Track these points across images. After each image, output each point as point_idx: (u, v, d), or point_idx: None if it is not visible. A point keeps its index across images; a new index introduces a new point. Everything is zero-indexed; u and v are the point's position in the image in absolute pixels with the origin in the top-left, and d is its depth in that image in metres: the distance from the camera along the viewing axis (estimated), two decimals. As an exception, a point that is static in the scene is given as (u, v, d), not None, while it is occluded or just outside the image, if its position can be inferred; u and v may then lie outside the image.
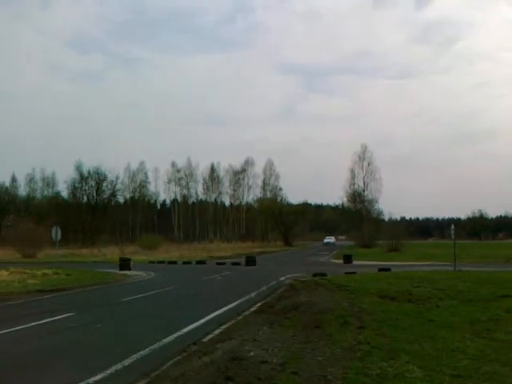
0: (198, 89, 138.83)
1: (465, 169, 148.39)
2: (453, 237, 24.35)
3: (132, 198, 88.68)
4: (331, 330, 8.25)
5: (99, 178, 78.42)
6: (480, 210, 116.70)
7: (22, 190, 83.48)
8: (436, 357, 6.44)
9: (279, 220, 79.98)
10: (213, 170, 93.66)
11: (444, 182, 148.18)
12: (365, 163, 73.11)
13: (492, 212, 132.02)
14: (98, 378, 5.99)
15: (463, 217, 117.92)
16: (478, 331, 8.32)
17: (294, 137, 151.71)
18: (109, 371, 6.28)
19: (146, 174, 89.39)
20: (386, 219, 73.00)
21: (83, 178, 78.07)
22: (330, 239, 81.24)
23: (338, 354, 6.63)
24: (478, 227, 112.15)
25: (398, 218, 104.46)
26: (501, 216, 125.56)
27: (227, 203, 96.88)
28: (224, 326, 9.28)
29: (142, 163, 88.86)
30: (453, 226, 25.41)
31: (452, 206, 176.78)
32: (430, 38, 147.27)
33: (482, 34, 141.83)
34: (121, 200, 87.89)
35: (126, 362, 6.76)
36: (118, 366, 6.53)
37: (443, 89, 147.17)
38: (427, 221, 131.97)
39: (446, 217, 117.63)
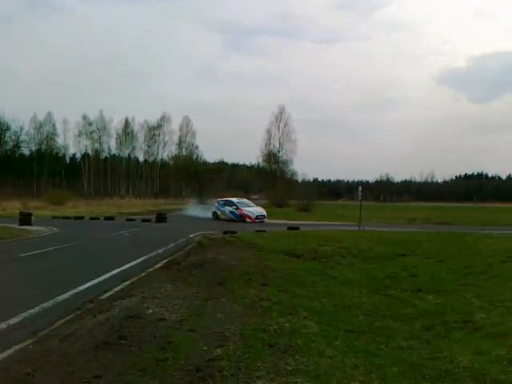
0: (113, 40, 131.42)
1: (376, 134, 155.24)
2: (360, 198, 25.32)
3: (38, 150, 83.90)
4: (234, 287, 8.19)
5: (1, 127, 73.44)
6: (387, 174, 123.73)
7: None
8: (333, 312, 6.58)
9: (194, 178, 79.33)
10: (127, 124, 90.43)
11: (356, 146, 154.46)
12: (281, 124, 73.96)
13: (398, 176, 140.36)
14: (-24, 339, 5.51)
15: (371, 180, 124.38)
16: (375, 288, 8.66)
17: (214, 95, 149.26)
18: (-10, 331, 5.81)
19: (53, 125, 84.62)
20: (300, 180, 74.89)
21: (-18, 127, 72.57)
22: None
23: (238, 311, 6.57)
24: (385, 190, 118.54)
25: (311, 179, 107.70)
26: (405, 180, 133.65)
27: (141, 159, 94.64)
28: (126, 283, 8.99)
29: (49, 114, 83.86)
30: (360, 188, 26.42)
31: (362, 170, 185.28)
32: (353, 3, 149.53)
33: (402, 4, 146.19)
34: (26, 152, 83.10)
35: (12, 321, 6.31)
36: (3, 326, 6.09)
37: (362, 56, 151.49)
38: (338, 183, 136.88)
39: (356, 179, 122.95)
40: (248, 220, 31.46)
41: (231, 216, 32.60)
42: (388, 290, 8.49)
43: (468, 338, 5.62)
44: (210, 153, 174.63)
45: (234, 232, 19.32)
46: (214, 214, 33.99)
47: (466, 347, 5.17)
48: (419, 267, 10.93)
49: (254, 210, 33.35)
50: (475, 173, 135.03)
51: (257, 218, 32.15)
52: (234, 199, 34.63)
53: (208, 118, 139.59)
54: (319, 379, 4.12)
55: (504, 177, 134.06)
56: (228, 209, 33.26)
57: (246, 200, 36.01)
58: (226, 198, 35.08)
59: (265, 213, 33.31)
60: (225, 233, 19.28)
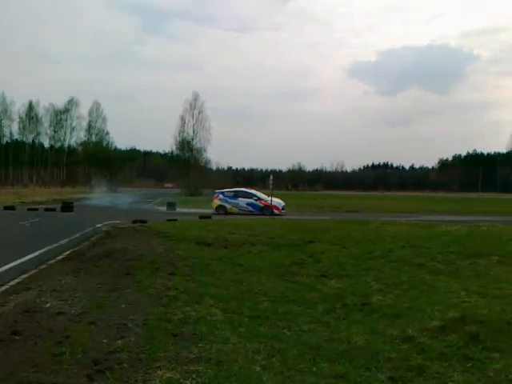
0: (18, 15, 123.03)
1: (289, 124, 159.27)
2: (271, 187, 25.80)
3: None
4: (141, 277, 8.02)
5: None
6: (299, 163, 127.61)
7: None
8: (239, 299, 6.64)
9: (105, 165, 76.72)
10: (31, 107, 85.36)
11: (270, 135, 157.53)
12: (195, 111, 73.53)
13: (309, 166, 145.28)
14: None
15: (284, 169, 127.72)
16: (281, 274, 8.84)
17: (127, 80, 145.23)
18: None
19: None
20: (214, 168, 75.03)
21: None
22: None
23: (143, 301, 6.44)
24: (297, 179, 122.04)
25: (225, 168, 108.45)
26: (317, 169, 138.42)
27: (47, 145, 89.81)
28: (23, 276, 8.50)
29: None
30: (271, 177, 26.96)
31: (276, 159, 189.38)
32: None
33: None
34: None
35: None
36: None
37: (275, 46, 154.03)
38: (252, 171, 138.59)
39: (270, 168, 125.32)
40: (276, 211, 28.13)
41: (249, 208, 28.58)
42: (294, 276, 8.69)
43: (365, 319, 5.89)
44: (121, 139, 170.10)
45: (145, 221, 18.93)
46: (221, 207, 29.01)
47: (362, 328, 5.42)
48: (325, 253, 11.31)
49: (277, 200, 29.60)
50: (381, 163, 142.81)
51: (283, 208, 29.24)
52: (250, 190, 30.78)
53: (120, 103, 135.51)
54: (221, 365, 4.14)
55: (407, 167, 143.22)
56: (244, 200, 28.92)
57: (254, 190, 31.00)
58: (235, 189, 31.23)
59: (284, 203, 29.95)
60: (134, 222, 18.84)
